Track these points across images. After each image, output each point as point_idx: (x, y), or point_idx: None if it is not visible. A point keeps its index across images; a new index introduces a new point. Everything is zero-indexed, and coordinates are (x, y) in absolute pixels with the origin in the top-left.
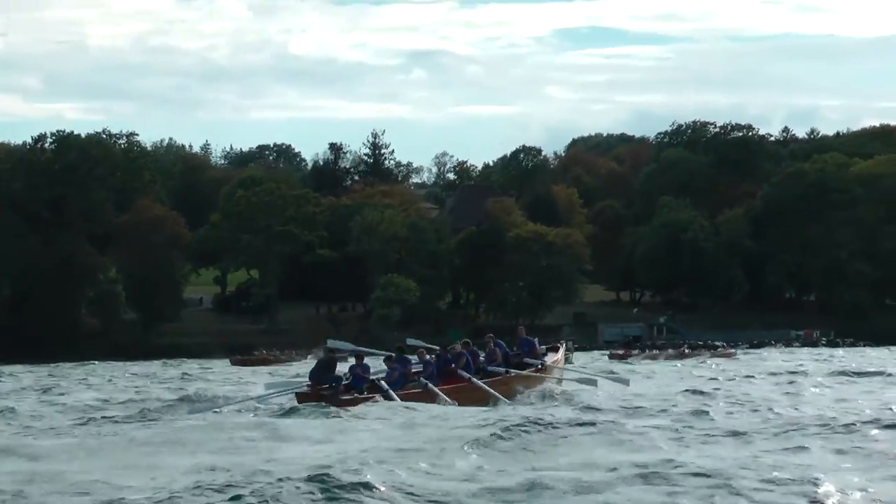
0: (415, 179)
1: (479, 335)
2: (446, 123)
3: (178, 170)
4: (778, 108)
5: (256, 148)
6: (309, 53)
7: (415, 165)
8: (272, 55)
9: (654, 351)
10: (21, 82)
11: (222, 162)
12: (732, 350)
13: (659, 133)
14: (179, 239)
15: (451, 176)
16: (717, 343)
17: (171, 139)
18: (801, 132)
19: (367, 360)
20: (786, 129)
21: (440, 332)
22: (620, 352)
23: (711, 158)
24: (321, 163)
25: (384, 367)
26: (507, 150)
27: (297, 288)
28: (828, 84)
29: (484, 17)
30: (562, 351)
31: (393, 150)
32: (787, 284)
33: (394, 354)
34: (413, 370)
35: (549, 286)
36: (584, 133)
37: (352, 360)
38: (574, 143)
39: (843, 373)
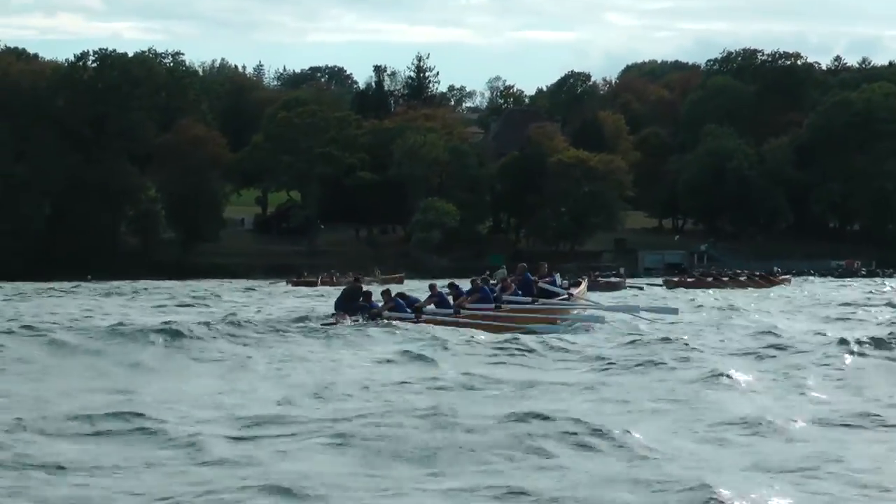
0: (468, 104)
1: (519, 259)
2: (505, 49)
3: (225, 90)
4: (839, 38)
5: (308, 70)
6: None
7: (468, 90)
8: None
9: (709, 279)
10: (82, 1)
11: (275, 83)
12: (787, 277)
13: (709, 60)
14: (220, 159)
15: (500, 101)
16: (756, 273)
17: (223, 59)
18: (857, 62)
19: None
20: (837, 58)
21: (480, 256)
22: (675, 278)
23: (758, 86)
24: (370, 85)
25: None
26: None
27: (338, 210)
28: (890, 13)
29: None
30: (583, 286)
31: (437, 73)
32: (831, 214)
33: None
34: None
35: (589, 212)
36: (645, 59)
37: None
38: (628, 69)
39: None
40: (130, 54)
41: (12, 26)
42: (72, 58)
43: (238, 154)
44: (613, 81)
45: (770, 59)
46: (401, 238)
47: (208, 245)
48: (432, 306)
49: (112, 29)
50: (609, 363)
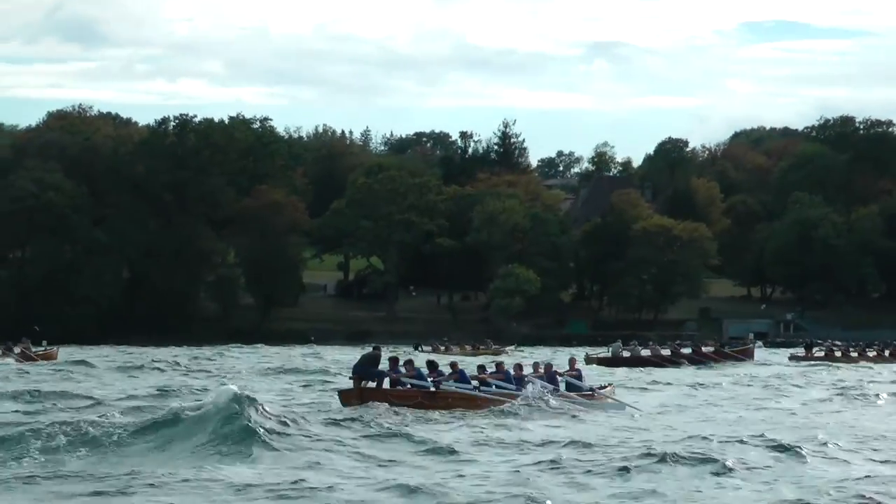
0: (576, 169)
1: (601, 328)
2: (624, 115)
3: (320, 155)
4: None
5: (414, 135)
6: (489, 43)
7: (576, 155)
8: (452, 44)
9: (837, 353)
10: (205, 67)
11: (382, 148)
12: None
13: (806, 127)
14: (298, 224)
15: (589, 167)
16: (838, 343)
17: (325, 125)
18: None
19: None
20: None
21: (562, 323)
22: (801, 353)
23: (850, 154)
24: (456, 152)
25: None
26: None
27: (418, 276)
28: None
29: (666, 8)
30: (611, 387)
31: (524, 140)
32: None
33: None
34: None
35: (673, 280)
36: (767, 126)
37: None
38: (736, 135)
39: None
40: (218, 119)
41: (137, 91)
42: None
43: (319, 220)
44: (714, 148)
45: (863, 126)
46: (481, 305)
47: (287, 310)
48: (452, 382)
49: (234, 94)
50: None
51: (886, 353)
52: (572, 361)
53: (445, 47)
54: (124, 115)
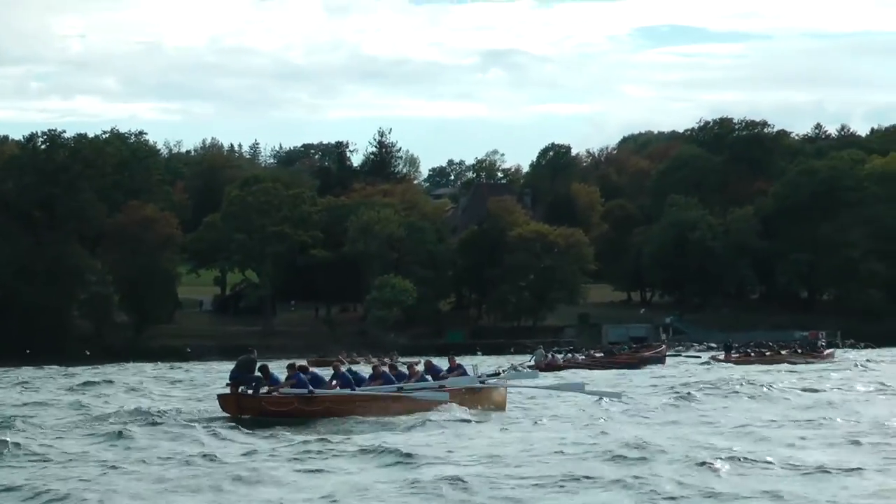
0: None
1: (480, 336)
2: (520, 122)
3: (200, 169)
4: (858, 106)
5: (302, 147)
6: (384, 53)
7: (467, 164)
8: (346, 55)
9: (752, 354)
10: (99, 83)
11: (271, 161)
12: (832, 351)
13: (686, 129)
14: (172, 239)
15: (470, 175)
16: (713, 344)
17: (212, 138)
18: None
19: None
20: (818, 126)
21: (440, 333)
22: (721, 355)
23: (726, 156)
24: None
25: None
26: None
27: (296, 289)
28: None
29: (560, 15)
30: (504, 375)
31: (400, 149)
32: (799, 284)
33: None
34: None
35: (551, 287)
36: (664, 130)
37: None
38: (624, 140)
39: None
40: (92, 135)
41: (32, 109)
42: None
43: (193, 234)
44: (597, 153)
45: (739, 127)
46: (359, 316)
47: (162, 327)
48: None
49: (129, 110)
50: None
51: (799, 350)
52: (451, 360)
53: (340, 58)
54: (20, 134)
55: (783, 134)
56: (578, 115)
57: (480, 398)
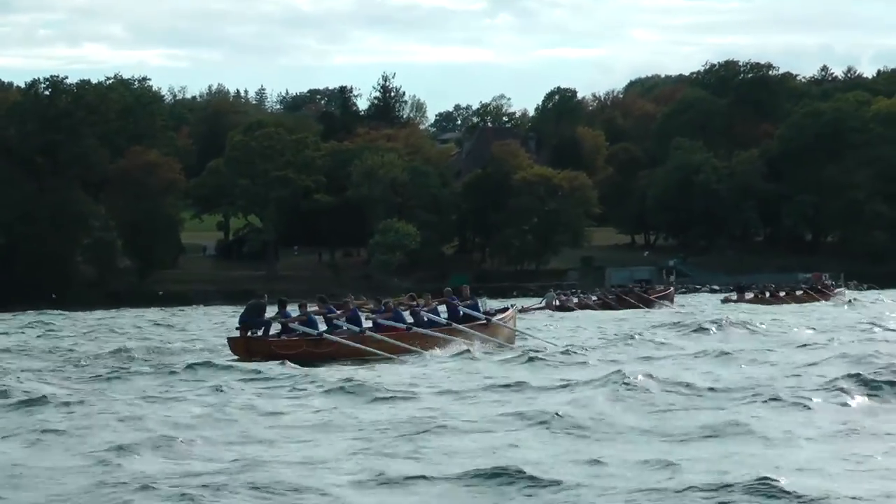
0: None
1: (484, 280)
2: (528, 67)
3: (205, 115)
4: (866, 49)
5: (308, 92)
6: None
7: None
8: (354, 1)
9: (766, 294)
10: (106, 30)
11: (278, 107)
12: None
13: (691, 72)
14: (175, 185)
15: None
16: (716, 286)
17: (219, 84)
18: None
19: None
20: (824, 68)
21: (444, 277)
22: (734, 296)
23: (730, 98)
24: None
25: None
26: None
27: (299, 234)
28: None
29: None
30: (512, 311)
31: (404, 94)
32: (804, 227)
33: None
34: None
35: (554, 230)
36: (671, 74)
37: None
38: (631, 84)
39: None
40: (96, 80)
41: (40, 56)
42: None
43: (197, 179)
44: (603, 96)
45: (744, 70)
46: (363, 261)
47: (166, 272)
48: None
49: (137, 57)
50: None
51: (811, 292)
52: (464, 290)
53: (347, 4)
54: (26, 80)
55: (788, 76)
56: (587, 59)
57: (492, 333)
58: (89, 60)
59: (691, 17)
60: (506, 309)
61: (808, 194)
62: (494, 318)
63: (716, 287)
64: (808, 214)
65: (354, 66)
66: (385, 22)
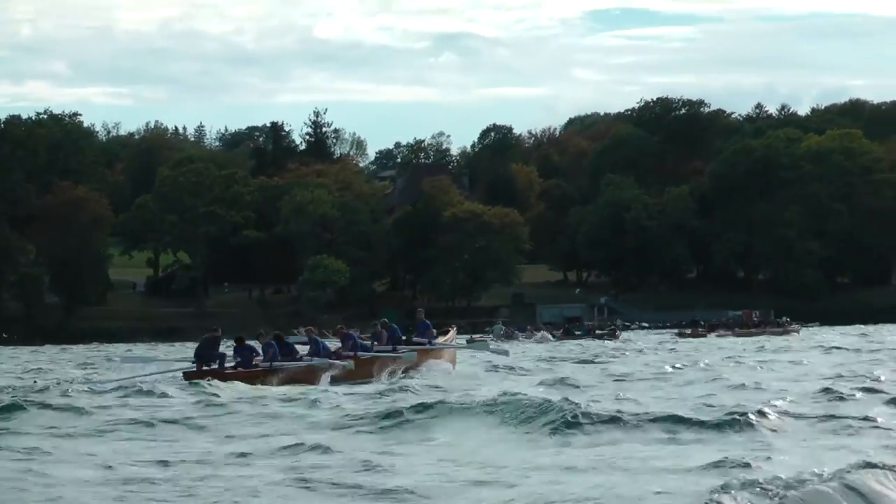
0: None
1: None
2: (471, 106)
3: (138, 150)
4: (808, 88)
5: (246, 129)
6: (335, 37)
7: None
8: (298, 39)
9: (721, 329)
10: (49, 68)
11: (217, 144)
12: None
13: (626, 110)
14: (103, 220)
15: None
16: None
17: (156, 122)
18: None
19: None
20: (758, 106)
21: (374, 314)
22: (688, 331)
23: (662, 135)
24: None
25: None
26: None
27: (229, 271)
28: (857, 63)
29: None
30: (452, 333)
31: (336, 130)
32: (735, 264)
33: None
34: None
35: (485, 267)
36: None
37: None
38: (571, 122)
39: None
40: (25, 116)
41: None
42: None
43: (125, 215)
44: (539, 133)
45: (677, 107)
46: (293, 297)
47: (94, 309)
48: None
49: (80, 95)
50: None
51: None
52: (419, 313)
53: (291, 42)
54: None
55: (720, 113)
56: (530, 98)
57: (436, 356)
58: (32, 98)
59: (634, 56)
60: (446, 331)
61: (739, 231)
62: (437, 340)
63: (645, 324)
64: (739, 251)
65: (298, 105)
66: (329, 60)
